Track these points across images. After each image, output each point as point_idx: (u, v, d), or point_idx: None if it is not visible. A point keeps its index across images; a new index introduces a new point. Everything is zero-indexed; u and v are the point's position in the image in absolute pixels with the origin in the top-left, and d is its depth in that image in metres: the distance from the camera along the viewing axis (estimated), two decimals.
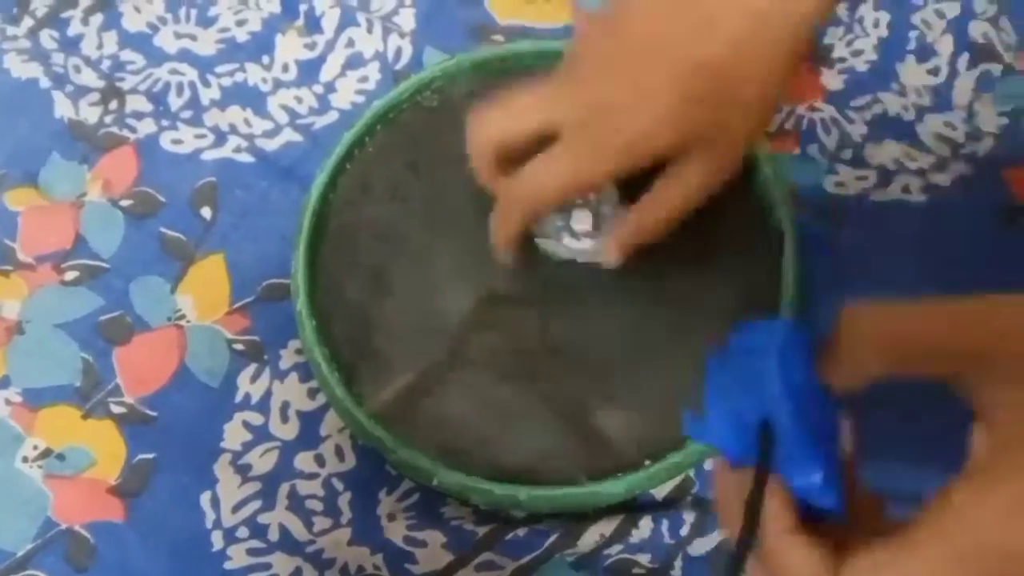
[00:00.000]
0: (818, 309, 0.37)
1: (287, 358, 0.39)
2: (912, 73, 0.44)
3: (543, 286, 0.37)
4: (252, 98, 0.45)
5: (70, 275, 0.41)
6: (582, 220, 0.36)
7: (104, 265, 0.41)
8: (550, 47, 0.42)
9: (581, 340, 0.36)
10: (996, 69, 0.43)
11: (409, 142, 0.41)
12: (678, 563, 0.34)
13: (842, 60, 0.44)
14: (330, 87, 0.46)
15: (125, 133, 0.45)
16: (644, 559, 0.34)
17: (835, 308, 0.37)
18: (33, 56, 0.47)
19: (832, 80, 0.44)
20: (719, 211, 0.38)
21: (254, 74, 0.46)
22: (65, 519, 0.36)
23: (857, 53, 0.45)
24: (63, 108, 0.45)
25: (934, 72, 0.44)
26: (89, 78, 0.46)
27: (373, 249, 0.39)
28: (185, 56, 0.47)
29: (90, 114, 0.45)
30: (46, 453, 0.38)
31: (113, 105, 0.45)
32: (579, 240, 0.36)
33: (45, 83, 0.46)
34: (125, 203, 0.43)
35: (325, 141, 0.43)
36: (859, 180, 0.41)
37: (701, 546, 0.34)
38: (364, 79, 0.46)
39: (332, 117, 0.45)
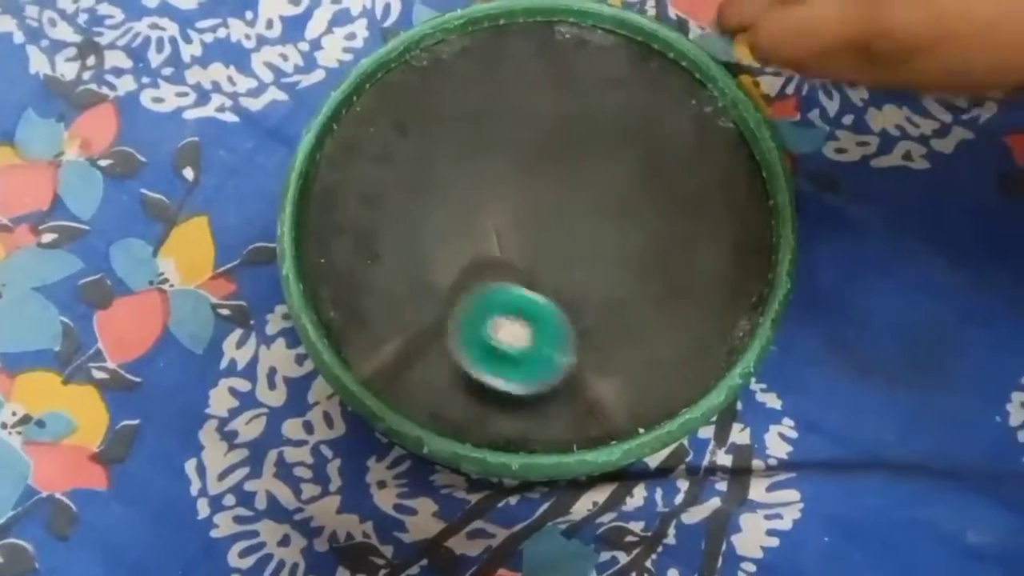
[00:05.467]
0: (815, 276, 0.37)
1: (274, 323, 0.38)
2: None
3: (532, 253, 0.37)
4: (235, 55, 0.44)
5: (48, 237, 0.40)
6: None
7: (83, 227, 0.40)
8: (544, 4, 0.41)
9: (572, 308, 0.36)
10: None
11: (398, 102, 0.40)
12: (671, 531, 0.34)
13: None
14: (316, 44, 0.44)
15: (104, 90, 0.43)
16: (637, 527, 0.34)
17: (832, 276, 0.38)
18: (6, 9, 0.45)
19: None
20: (714, 178, 0.38)
21: (237, 30, 0.45)
22: (46, 487, 0.36)
23: None
24: (38, 63, 0.44)
25: None
26: (65, 32, 0.45)
27: (361, 212, 0.38)
28: (165, 10, 0.45)
29: (67, 70, 0.44)
30: (25, 419, 0.37)
31: (91, 61, 0.44)
32: None
33: (19, 37, 0.44)
34: (104, 163, 0.42)
35: (311, 100, 0.42)
36: (860, 146, 0.41)
37: (695, 514, 0.34)
38: (351, 36, 0.45)
39: (318, 76, 0.44)
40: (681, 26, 0.44)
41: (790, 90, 0.42)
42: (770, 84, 0.42)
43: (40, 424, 0.37)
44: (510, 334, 0.32)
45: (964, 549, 0.33)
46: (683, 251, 0.37)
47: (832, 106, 0.42)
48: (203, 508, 0.35)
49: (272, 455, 0.36)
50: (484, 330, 0.32)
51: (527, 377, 0.32)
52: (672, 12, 0.44)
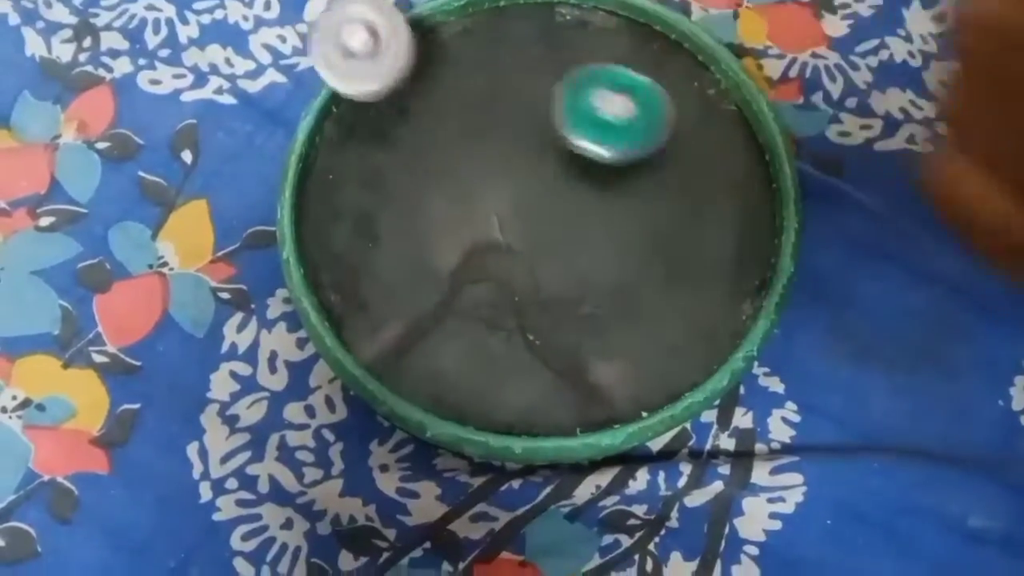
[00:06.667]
0: (818, 260, 0.37)
1: (274, 307, 0.38)
2: (918, 19, 0.43)
3: (534, 236, 0.37)
4: (233, 37, 0.44)
5: (46, 220, 0.40)
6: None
7: (81, 210, 0.40)
8: None
9: (574, 292, 0.36)
10: None
11: (398, 85, 0.40)
12: (674, 514, 0.34)
13: (845, 6, 0.43)
14: (315, 26, 0.44)
15: (101, 72, 0.43)
16: (640, 510, 0.34)
17: (835, 260, 0.37)
18: None
19: (835, 26, 0.43)
20: (717, 161, 0.38)
21: (234, 11, 0.44)
22: (47, 470, 0.36)
23: None
24: (34, 45, 0.43)
25: (940, 18, 0.43)
26: (61, 14, 0.44)
27: (361, 195, 0.38)
28: None
29: (63, 52, 0.43)
30: (25, 403, 0.37)
31: (87, 43, 0.43)
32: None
33: (14, 19, 0.44)
34: (101, 146, 0.41)
35: (310, 83, 0.42)
36: (864, 129, 0.40)
37: (698, 497, 0.34)
38: None
39: None
40: (684, 7, 0.43)
41: (793, 73, 0.42)
42: (773, 66, 0.42)
43: (40, 408, 0.36)
44: (614, 105, 0.33)
45: (966, 533, 0.33)
46: (686, 235, 0.36)
47: (835, 89, 0.41)
48: (205, 492, 0.35)
49: (274, 439, 0.36)
50: (588, 101, 0.33)
51: (624, 145, 0.33)
52: None
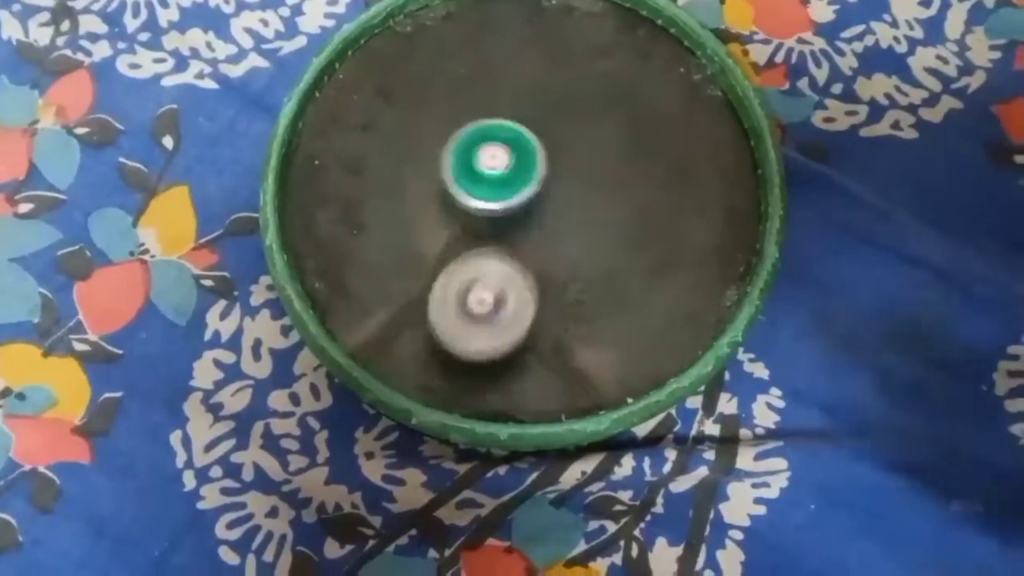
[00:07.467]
0: (803, 246, 0.37)
1: (258, 294, 0.38)
2: (903, 4, 0.43)
3: (517, 223, 0.36)
4: (214, 20, 0.43)
5: (24, 207, 0.39)
6: None
7: (61, 196, 0.39)
8: None
9: (560, 278, 0.36)
10: (989, 1, 0.42)
11: (381, 70, 0.39)
12: (659, 500, 0.34)
13: None
14: (297, 10, 0.43)
15: (79, 56, 0.42)
16: (625, 496, 0.34)
17: (820, 246, 0.38)
18: None
19: (821, 11, 0.43)
20: (702, 147, 0.38)
21: None
22: (28, 460, 0.35)
23: None
24: (10, 28, 0.43)
25: (925, 3, 0.43)
26: None
27: (345, 182, 0.37)
28: None
29: (40, 35, 0.42)
30: (5, 392, 0.36)
31: (65, 26, 0.43)
32: None
33: None
34: (81, 131, 0.41)
35: (293, 67, 0.41)
36: (849, 115, 0.40)
37: (683, 483, 0.34)
38: (333, 2, 0.44)
39: (300, 42, 0.43)
40: None
41: (779, 58, 0.42)
42: (759, 52, 0.42)
43: (21, 397, 0.36)
44: (492, 157, 0.34)
45: (949, 518, 0.33)
46: (671, 221, 0.36)
47: (821, 75, 0.41)
48: (189, 480, 0.35)
49: (258, 427, 0.36)
50: (472, 159, 0.35)
51: (507, 197, 0.34)
52: None
